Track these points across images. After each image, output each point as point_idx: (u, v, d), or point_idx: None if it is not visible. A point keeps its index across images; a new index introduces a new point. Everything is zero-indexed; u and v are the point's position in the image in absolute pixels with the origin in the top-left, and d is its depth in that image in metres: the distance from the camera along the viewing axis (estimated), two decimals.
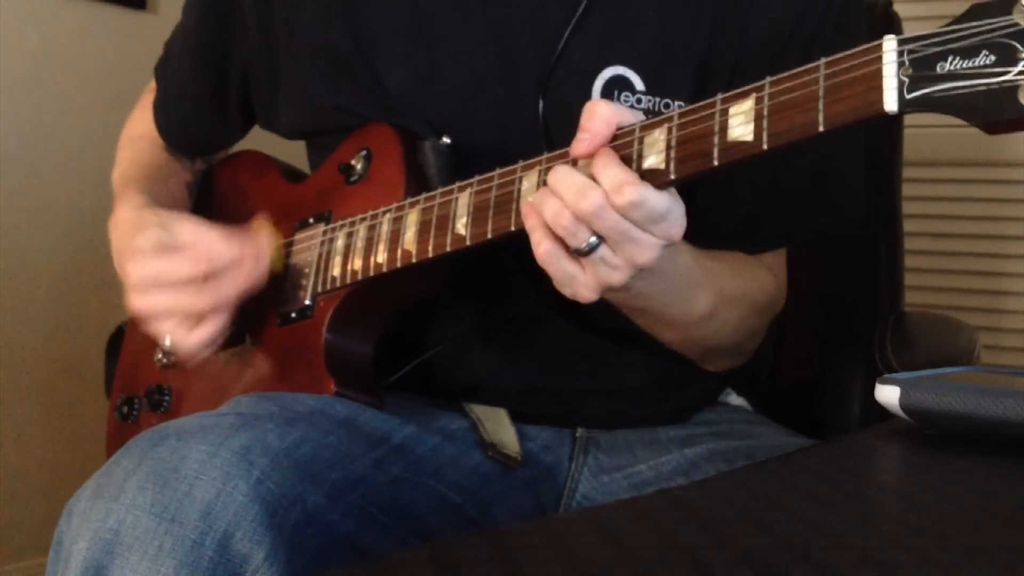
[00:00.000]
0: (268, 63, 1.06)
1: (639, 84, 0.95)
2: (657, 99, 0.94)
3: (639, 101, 0.94)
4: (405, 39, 0.98)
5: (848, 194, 1.02)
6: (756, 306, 0.98)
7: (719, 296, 0.92)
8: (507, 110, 0.95)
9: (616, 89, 0.94)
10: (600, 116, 0.76)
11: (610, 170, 0.74)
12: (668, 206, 0.74)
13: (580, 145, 0.76)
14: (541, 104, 0.93)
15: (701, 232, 0.97)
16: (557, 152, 0.80)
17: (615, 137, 0.77)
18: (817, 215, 1.01)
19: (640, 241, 0.74)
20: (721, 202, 0.98)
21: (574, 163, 0.77)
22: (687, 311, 0.90)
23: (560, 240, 0.76)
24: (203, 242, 0.94)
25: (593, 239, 0.74)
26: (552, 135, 0.92)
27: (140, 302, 0.96)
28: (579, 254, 0.76)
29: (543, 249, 0.76)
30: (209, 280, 0.92)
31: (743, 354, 1.04)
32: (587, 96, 0.94)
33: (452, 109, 0.97)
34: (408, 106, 0.97)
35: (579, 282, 0.77)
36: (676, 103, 0.94)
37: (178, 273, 0.93)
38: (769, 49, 0.96)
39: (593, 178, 0.74)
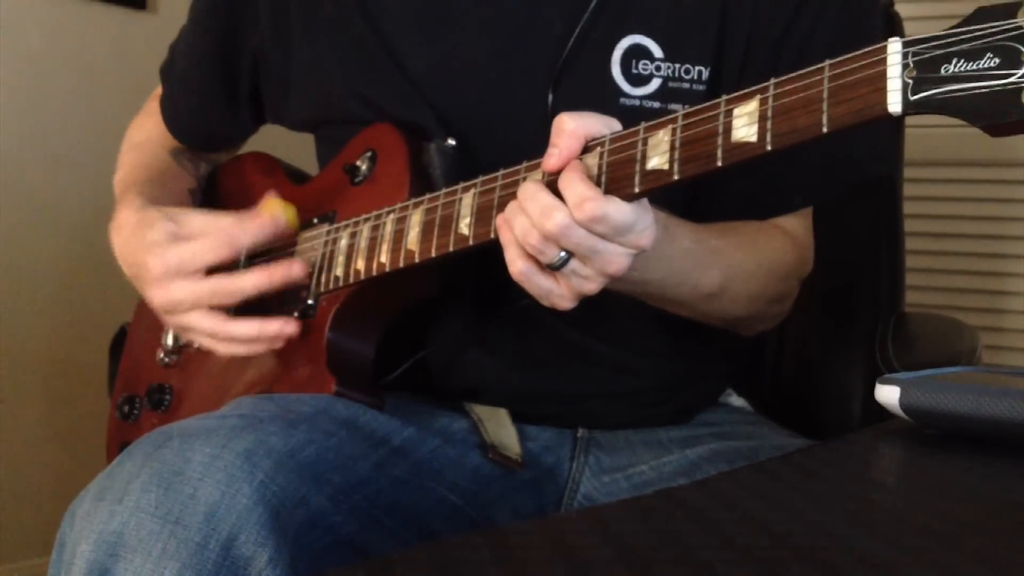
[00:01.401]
0: (281, 52, 1.06)
1: (657, 52, 0.95)
2: (676, 65, 0.95)
3: (658, 68, 0.95)
4: (421, 25, 0.99)
5: (870, 144, 1.02)
6: (773, 275, 0.98)
7: (727, 272, 0.92)
8: (521, 93, 0.95)
9: (635, 58, 0.95)
10: (568, 131, 0.77)
11: (573, 186, 0.75)
12: (632, 218, 0.75)
13: (550, 160, 0.78)
14: (551, 92, 0.93)
15: (719, 199, 0.98)
16: (535, 161, 0.81)
17: (617, 140, 0.77)
18: (839, 171, 1.01)
19: (608, 253, 0.75)
20: (739, 172, 0.98)
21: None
22: (694, 290, 0.91)
23: (532, 256, 0.77)
24: (217, 227, 0.93)
25: (563, 254, 0.76)
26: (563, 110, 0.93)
27: (164, 294, 0.94)
28: (552, 268, 0.77)
29: (517, 268, 0.78)
30: (234, 268, 0.92)
31: (770, 318, 1.03)
32: (606, 70, 0.95)
33: (466, 94, 0.97)
34: (423, 92, 0.97)
35: (555, 294, 0.79)
36: (697, 68, 0.95)
37: (202, 258, 0.92)
38: (781, 18, 0.96)
39: (560, 194, 0.75)
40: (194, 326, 0.95)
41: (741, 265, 0.94)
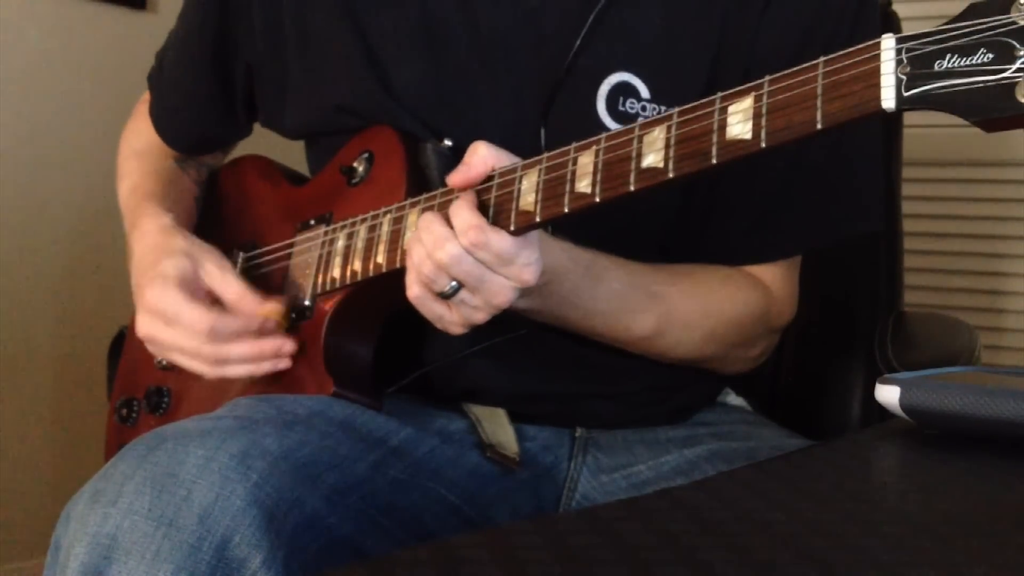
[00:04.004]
0: (275, 63, 1.06)
1: (644, 91, 0.95)
2: (663, 107, 0.94)
3: (644, 108, 0.94)
4: (413, 43, 0.98)
5: (857, 200, 1.02)
6: (728, 323, 0.98)
7: (665, 318, 0.94)
8: (509, 118, 0.95)
9: (621, 96, 0.94)
10: (479, 155, 0.83)
11: (461, 213, 0.79)
12: (514, 250, 0.79)
13: (455, 176, 0.83)
14: (543, 121, 0.93)
15: (706, 244, 0.99)
16: (531, 159, 0.82)
17: (613, 137, 0.77)
18: (823, 225, 1.01)
19: (493, 284, 0.80)
20: (725, 214, 0.98)
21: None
22: (625, 331, 0.94)
23: (427, 284, 0.81)
24: (224, 290, 0.96)
25: (453, 284, 0.80)
26: (552, 142, 0.93)
27: (148, 328, 0.97)
28: (442, 297, 0.81)
29: (412, 293, 0.83)
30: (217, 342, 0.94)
31: (739, 361, 1.04)
32: (592, 103, 0.94)
33: (455, 113, 0.97)
34: (412, 109, 0.97)
35: (447, 320, 0.83)
36: None
37: (190, 328, 0.94)
38: (780, 61, 0.95)
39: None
40: (175, 358, 0.98)
41: (684, 312, 0.95)
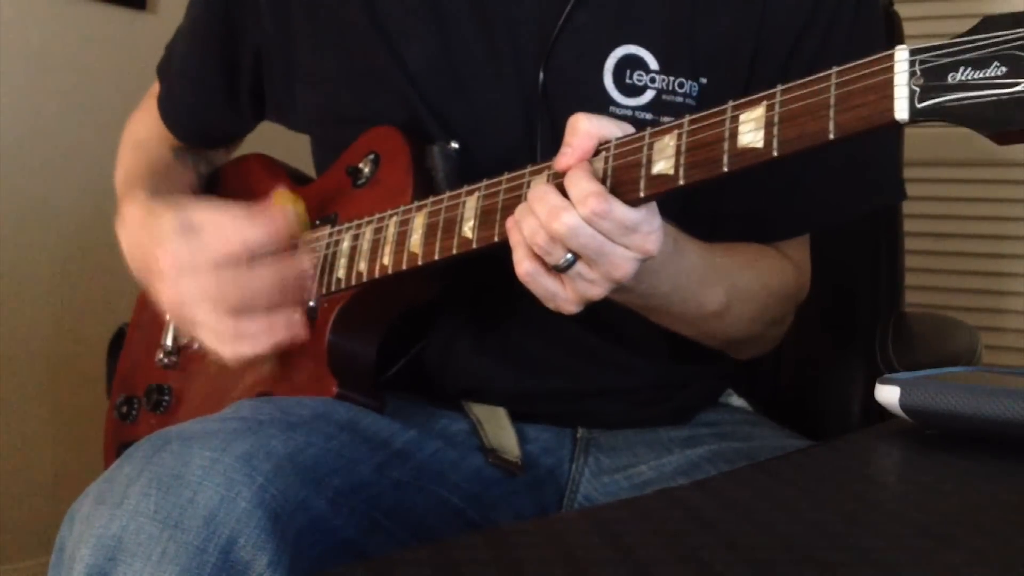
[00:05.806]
0: (284, 49, 1.06)
1: (653, 63, 0.95)
2: (671, 78, 0.94)
3: (652, 80, 0.94)
4: (420, 22, 0.98)
5: (878, 173, 1.03)
6: (774, 296, 0.99)
7: (731, 291, 0.92)
8: (513, 95, 0.95)
9: (629, 68, 0.94)
10: (582, 131, 0.77)
11: (578, 182, 0.75)
12: (637, 218, 0.74)
13: (562, 159, 0.77)
14: (541, 76, 0.93)
15: (723, 222, 0.98)
16: (540, 165, 0.81)
17: (622, 144, 0.77)
18: (846, 199, 1.02)
19: (614, 256, 0.75)
20: (744, 192, 0.98)
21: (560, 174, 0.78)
22: (699, 308, 0.91)
23: (539, 258, 0.77)
24: (227, 221, 0.91)
25: (569, 256, 0.76)
26: (555, 115, 0.93)
27: (172, 288, 0.92)
28: (557, 271, 0.77)
29: (523, 268, 0.78)
30: (243, 263, 0.90)
31: (767, 341, 1.04)
32: (599, 76, 0.94)
33: (461, 94, 0.97)
34: (420, 90, 0.97)
35: (560, 298, 0.79)
36: (690, 82, 0.95)
37: (212, 251, 0.90)
38: (788, 36, 0.96)
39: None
40: (201, 321, 0.92)
41: (744, 285, 0.94)
